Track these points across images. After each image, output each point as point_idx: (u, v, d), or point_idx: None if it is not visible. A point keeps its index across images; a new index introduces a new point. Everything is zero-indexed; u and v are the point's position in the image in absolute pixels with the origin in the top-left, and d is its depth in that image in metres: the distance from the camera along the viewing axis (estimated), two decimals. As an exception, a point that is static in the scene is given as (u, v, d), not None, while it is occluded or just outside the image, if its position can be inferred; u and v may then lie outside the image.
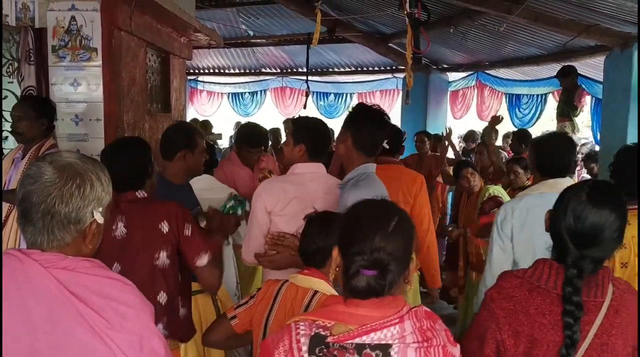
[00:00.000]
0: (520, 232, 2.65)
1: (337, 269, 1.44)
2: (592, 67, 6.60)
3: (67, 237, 1.37)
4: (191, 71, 11.47)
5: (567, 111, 6.44)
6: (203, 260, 2.42)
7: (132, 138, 2.79)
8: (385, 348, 1.33)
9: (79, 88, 3.51)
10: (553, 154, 2.69)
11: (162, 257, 2.38)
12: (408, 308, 1.40)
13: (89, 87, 3.50)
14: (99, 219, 1.41)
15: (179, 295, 2.50)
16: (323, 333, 1.36)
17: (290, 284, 2.07)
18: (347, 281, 1.38)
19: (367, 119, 2.58)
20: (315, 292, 2.01)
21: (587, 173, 6.55)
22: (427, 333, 1.37)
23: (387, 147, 2.77)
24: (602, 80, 5.66)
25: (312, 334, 1.36)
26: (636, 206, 2.62)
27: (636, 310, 1.67)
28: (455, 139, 8.24)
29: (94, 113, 3.50)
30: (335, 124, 11.20)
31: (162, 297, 2.40)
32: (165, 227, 2.37)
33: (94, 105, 3.50)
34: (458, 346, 1.40)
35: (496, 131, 6.74)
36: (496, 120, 5.73)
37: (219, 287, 2.58)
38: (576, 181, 2.70)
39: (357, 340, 1.33)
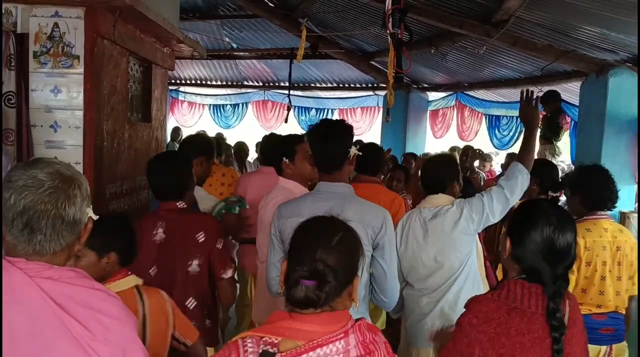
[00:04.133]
0: (402, 240, 2.87)
1: (284, 283, 1.46)
2: (568, 92, 6.74)
3: (71, 239, 1.37)
4: (173, 81, 11.45)
5: (548, 135, 6.57)
6: (228, 273, 2.63)
7: (176, 152, 2.98)
8: None
9: (59, 95, 3.49)
10: (426, 174, 2.99)
11: (194, 265, 2.57)
12: (352, 322, 1.44)
13: (70, 94, 3.48)
14: (93, 215, 1.43)
15: (206, 306, 2.65)
16: (271, 350, 1.37)
17: None
18: (288, 291, 1.42)
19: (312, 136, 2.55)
20: None
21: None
22: (370, 346, 1.42)
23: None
24: (578, 104, 5.79)
25: (260, 351, 1.37)
26: (601, 216, 3.08)
27: (582, 319, 1.83)
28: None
29: (74, 120, 3.48)
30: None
31: (191, 303, 2.58)
32: (201, 237, 2.56)
33: (73, 112, 3.48)
34: None
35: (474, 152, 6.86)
36: (476, 154, 5.89)
37: (234, 301, 2.83)
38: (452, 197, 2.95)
39: (304, 356, 1.36)
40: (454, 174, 2.98)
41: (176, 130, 10.27)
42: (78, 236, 1.40)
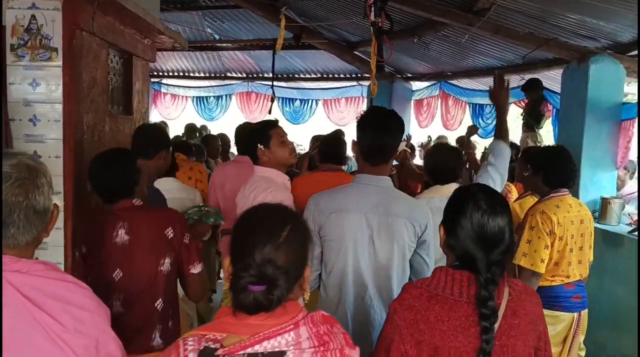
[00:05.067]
0: None
1: (230, 279, 1.36)
2: (551, 79, 6.78)
3: (41, 228, 1.38)
4: (155, 73, 11.35)
5: (531, 123, 6.62)
6: (197, 268, 2.51)
7: (114, 149, 2.79)
8: (279, 355, 1.29)
9: (37, 88, 3.43)
10: (441, 164, 3.00)
11: (166, 263, 2.43)
12: (304, 314, 1.36)
13: (48, 88, 3.43)
14: (59, 203, 1.43)
15: (172, 305, 2.53)
16: (213, 346, 1.30)
17: None
18: (235, 296, 1.31)
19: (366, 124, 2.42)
20: None
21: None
22: (324, 337, 1.34)
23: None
24: (560, 91, 5.82)
25: (201, 348, 1.30)
26: (565, 193, 3.28)
27: (535, 311, 1.74)
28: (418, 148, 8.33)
29: (53, 114, 3.43)
30: (300, 130, 11.30)
31: (159, 304, 2.44)
32: (170, 233, 2.43)
33: (52, 106, 3.43)
34: (357, 348, 1.38)
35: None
36: (473, 130, 5.92)
37: (202, 296, 2.70)
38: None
39: (249, 350, 1.29)
40: (462, 163, 3.04)
41: (192, 129, 9.15)
42: (46, 224, 1.40)
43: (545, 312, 1.86)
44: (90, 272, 2.43)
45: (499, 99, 3.19)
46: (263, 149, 2.94)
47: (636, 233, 4.27)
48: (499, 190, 2.97)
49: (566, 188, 3.32)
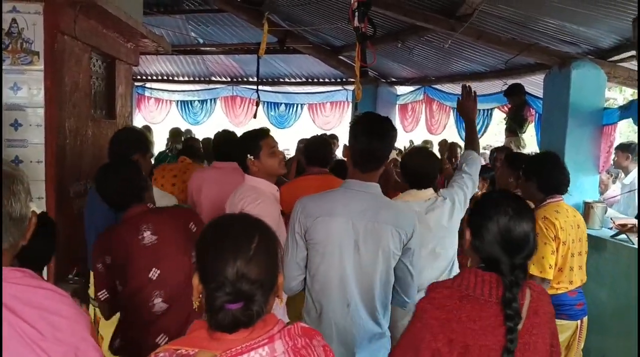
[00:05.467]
0: None
1: (200, 297, 1.31)
2: (533, 84, 6.84)
3: (18, 236, 1.36)
4: (139, 77, 11.29)
5: (514, 128, 6.67)
6: None
7: (117, 160, 2.87)
8: None
9: (19, 92, 3.40)
10: (419, 168, 3.00)
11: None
12: (280, 327, 1.32)
13: (30, 92, 3.40)
14: (37, 210, 1.42)
15: None
16: None
17: None
18: (212, 316, 1.26)
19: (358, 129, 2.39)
20: None
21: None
22: (302, 351, 1.30)
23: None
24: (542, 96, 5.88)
25: None
26: (559, 199, 3.27)
27: (550, 310, 1.83)
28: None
29: (35, 118, 3.40)
30: (286, 134, 11.29)
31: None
32: (193, 227, 2.56)
33: (34, 110, 3.40)
34: None
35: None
36: (453, 148, 6.02)
37: None
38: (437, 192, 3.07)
39: None
40: (438, 168, 3.07)
41: (177, 133, 8.79)
42: (24, 232, 1.38)
43: None
44: (122, 279, 2.49)
45: (466, 111, 3.29)
46: (253, 159, 2.90)
47: (620, 237, 4.32)
48: (470, 196, 3.04)
49: (560, 194, 3.32)
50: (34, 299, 1.30)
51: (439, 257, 2.89)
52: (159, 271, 2.48)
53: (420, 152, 3.25)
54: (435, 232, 2.89)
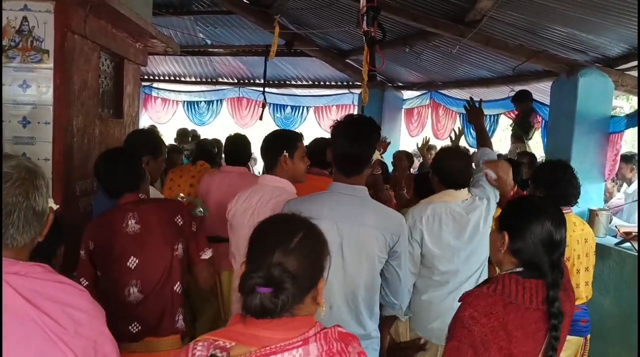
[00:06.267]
0: (430, 236, 2.84)
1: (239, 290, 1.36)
2: (540, 91, 6.83)
3: (38, 230, 1.38)
4: (146, 77, 11.32)
5: (520, 134, 6.66)
6: (207, 254, 2.64)
7: (119, 148, 2.98)
8: None
9: (28, 90, 3.42)
10: (456, 168, 2.97)
11: (180, 249, 2.56)
12: (317, 330, 1.34)
13: (39, 90, 3.42)
14: (54, 205, 1.44)
15: (184, 290, 2.65)
16: (219, 354, 1.29)
17: None
18: (243, 298, 1.32)
19: (338, 133, 2.41)
20: None
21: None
22: (336, 356, 1.31)
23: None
24: (549, 103, 5.87)
25: (208, 354, 1.29)
26: (568, 212, 3.19)
27: (572, 309, 1.90)
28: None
29: (43, 116, 3.42)
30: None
31: (178, 288, 2.56)
32: (179, 220, 2.56)
33: (43, 108, 3.42)
34: None
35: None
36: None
37: (213, 283, 2.88)
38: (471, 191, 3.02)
39: None
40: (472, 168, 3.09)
41: (184, 133, 9.11)
42: (42, 227, 1.40)
43: None
44: (102, 265, 2.53)
45: (475, 119, 3.51)
46: (287, 157, 2.87)
47: (624, 245, 4.31)
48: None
49: (569, 205, 3.22)
50: (55, 294, 1.33)
51: (472, 258, 2.86)
52: (137, 260, 2.48)
53: (455, 152, 3.21)
54: (472, 234, 2.86)
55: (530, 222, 1.82)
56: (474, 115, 3.52)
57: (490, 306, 1.74)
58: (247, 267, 1.35)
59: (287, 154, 2.87)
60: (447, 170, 2.96)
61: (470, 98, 3.66)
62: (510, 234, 1.85)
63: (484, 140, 3.40)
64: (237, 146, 4.17)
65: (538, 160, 5.71)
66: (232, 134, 4.42)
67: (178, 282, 2.55)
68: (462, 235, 2.83)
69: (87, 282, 2.53)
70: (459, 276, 2.83)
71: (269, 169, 2.96)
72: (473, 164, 3.12)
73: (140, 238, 2.50)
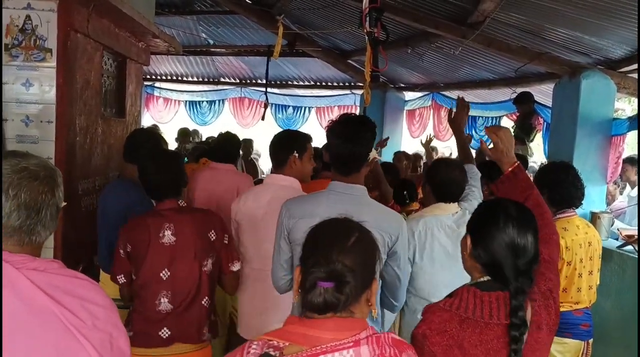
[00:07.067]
0: (421, 251, 2.78)
1: (299, 288, 1.40)
2: (542, 93, 6.83)
3: (54, 227, 1.43)
4: (148, 77, 11.33)
5: (521, 136, 6.65)
6: (236, 266, 2.70)
7: (165, 150, 3.04)
8: None
9: (31, 89, 3.42)
10: (448, 181, 2.88)
11: (209, 264, 2.60)
12: (369, 333, 1.33)
13: (42, 88, 3.42)
14: (63, 203, 1.47)
15: (214, 300, 2.70)
16: (273, 353, 1.31)
17: None
18: (304, 295, 1.35)
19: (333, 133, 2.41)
20: None
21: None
22: None
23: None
24: (551, 106, 5.87)
25: (262, 353, 1.31)
26: (572, 214, 3.15)
27: (553, 322, 1.75)
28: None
29: (46, 115, 3.42)
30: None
31: (206, 302, 2.61)
32: (213, 235, 2.60)
33: (46, 107, 3.42)
34: None
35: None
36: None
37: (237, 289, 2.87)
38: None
39: None
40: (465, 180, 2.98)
41: (186, 133, 9.08)
42: (57, 224, 1.45)
43: (555, 338, 1.85)
44: (137, 269, 2.57)
45: (459, 123, 3.29)
46: (297, 157, 2.88)
47: (626, 248, 4.30)
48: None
49: (573, 208, 3.17)
50: (73, 288, 1.36)
51: (464, 273, 2.84)
52: (169, 273, 2.53)
53: (449, 164, 3.09)
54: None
55: (489, 226, 1.71)
56: (458, 119, 3.30)
57: (445, 322, 1.64)
58: (306, 264, 1.38)
59: (297, 154, 2.88)
60: (443, 180, 2.88)
61: (461, 98, 3.44)
62: (472, 238, 1.76)
63: (465, 153, 3.25)
64: (226, 144, 4.24)
65: (531, 164, 5.66)
66: (223, 132, 4.46)
67: (206, 297, 2.60)
68: (453, 249, 2.74)
69: (124, 280, 2.60)
70: (448, 290, 2.77)
71: (277, 167, 2.96)
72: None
73: (174, 251, 2.53)
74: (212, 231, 2.60)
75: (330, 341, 1.30)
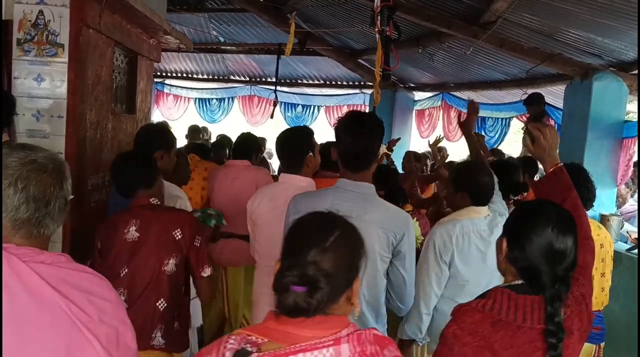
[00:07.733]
0: (460, 256, 2.70)
1: (272, 286, 1.35)
2: (553, 95, 6.80)
3: (62, 220, 1.42)
4: (158, 74, 11.36)
5: (532, 137, 6.60)
6: (207, 272, 2.59)
7: (134, 151, 3.01)
8: None
9: (42, 83, 3.44)
10: (485, 185, 2.83)
11: (171, 264, 2.50)
12: (350, 331, 1.31)
13: (53, 83, 3.43)
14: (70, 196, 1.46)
15: (177, 306, 2.58)
16: (250, 349, 1.27)
17: None
18: (278, 296, 1.30)
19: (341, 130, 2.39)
20: None
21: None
22: None
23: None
24: (562, 107, 5.84)
25: (239, 348, 1.28)
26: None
27: (586, 327, 1.71)
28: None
29: (57, 110, 3.43)
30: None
31: (161, 304, 2.50)
32: (178, 234, 2.50)
33: (57, 101, 3.43)
34: None
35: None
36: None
37: (214, 297, 2.87)
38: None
39: None
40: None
41: (196, 130, 8.86)
42: (65, 217, 1.44)
43: None
44: (102, 266, 2.50)
45: (469, 127, 3.27)
46: (312, 156, 2.88)
47: (635, 251, 4.28)
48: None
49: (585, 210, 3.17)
50: (80, 282, 1.36)
51: (495, 275, 2.80)
52: (127, 270, 2.48)
53: (481, 168, 3.00)
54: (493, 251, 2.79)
55: (528, 228, 1.65)
56: (468, 122, 3.27)
57: (477, 323, 1.60)
58: (282, 265, 1.33)
59: (311, 153, 2.89)
60: (481, 186, 2.81)
61: (472, 101, 3.42)
62: (508, 240, 1.71)
63: (476, 154, 3.20)
64: (245, 142, 4.35)
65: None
66: (245, 133, 4.56)
67: (162, 299, 2.49)
68: (486, 252, 2.71)
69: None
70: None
71: (290, 167, 2.92)
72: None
73: (135, 248, 2.48)
74: (178, 230, 2.50)
75: (311, 339, 1.27)
